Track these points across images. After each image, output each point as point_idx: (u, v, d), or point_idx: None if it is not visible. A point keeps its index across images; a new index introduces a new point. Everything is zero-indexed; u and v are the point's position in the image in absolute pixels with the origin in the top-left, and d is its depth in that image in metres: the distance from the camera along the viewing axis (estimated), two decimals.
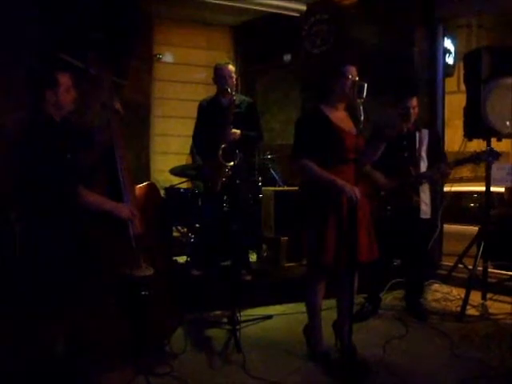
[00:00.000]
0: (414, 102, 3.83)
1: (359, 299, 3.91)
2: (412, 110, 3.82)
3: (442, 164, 3.77)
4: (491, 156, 3.73)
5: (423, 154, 3.85)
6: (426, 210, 3.85)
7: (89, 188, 2.74)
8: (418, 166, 3.82)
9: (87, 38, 4.62)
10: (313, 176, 2.94)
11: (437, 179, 3.83)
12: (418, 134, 3.87)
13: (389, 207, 3.77)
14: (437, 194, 4.12)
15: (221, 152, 4.05)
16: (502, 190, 5.35)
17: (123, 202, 2.91)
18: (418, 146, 3.85)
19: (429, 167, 3.84)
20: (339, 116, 3.05)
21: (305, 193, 3.06)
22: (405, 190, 3.77)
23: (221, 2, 5.88)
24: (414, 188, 3.78)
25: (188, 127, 4.60)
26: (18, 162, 2.67)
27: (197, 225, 4.82)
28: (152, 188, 3.31)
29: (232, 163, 3.98)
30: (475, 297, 4.18)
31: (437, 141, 3.98)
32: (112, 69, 3.15)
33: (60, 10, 4.73)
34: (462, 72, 4.47)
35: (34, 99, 2.72)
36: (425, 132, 3.90)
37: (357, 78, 2.94)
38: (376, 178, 3.77)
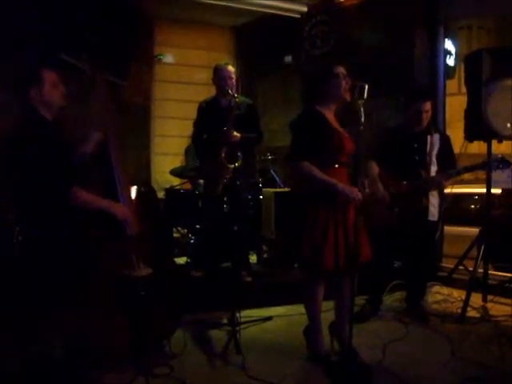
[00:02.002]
0: (428, 106, 3.82)
1: (359, 301, 3.90)
2: (425, 114, 3.80)
3: (440, 175, 3.77)
4: (501, 164, 3.71)
5: (433, 159, 3.84)
6: (434, 212, 3.85)
7: (84, 188, 2.74)
8: (428, 169, 3.81)
9: (85, 40, 4.63)
10: (313, 179, 2.93)
11: (432, 189, 3.82)
12: (429, 138, 3.86)
13: (396, 208, 3.77)
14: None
15: (223, 154, 4.04)
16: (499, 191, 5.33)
17: (119, 202, 2.91)
18: (428, 149, 3.85)
19: (439, 171, 3.83)
20: (332, 118, 3.06)
21: (302, 195, 3.05)
22: (415, 192, 3.76)
23: (221, 3, 5.88)
24: (425, 191, 3.78)
25: (188, 128, 4.60)
26: (15, 163, 2.67)
27: (197, 226, 4.82)
28: (147, 189, 3.31)
29: (234, 165, 3.98)
30: (476, 299, 4.17)
31: (448, 146, 3.96)
32: (107, 69, 3.15)
33: (60, 10, 4.74)
34: (462, 73, 4.47)
35: (21, 98, 2.72)
36: (436, 136, 3.89)
37: (347, 78, 2.96)
38: (375, 188, 3.77)
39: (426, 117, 3.83)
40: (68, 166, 2.70)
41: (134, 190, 3.16)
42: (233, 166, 3.95)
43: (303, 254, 2.94)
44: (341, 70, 2.98)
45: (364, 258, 3.04)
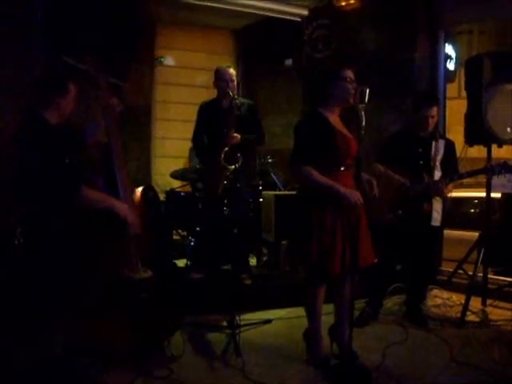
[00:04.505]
0: (434, 111, 3.80)
1: (359, 304, 3.90)
2: (431, 119, 3.79)
3: (442, 180, 3.77)
4: (504, 169, 3.70)
5: (437, 164, 3.84)
6: (437, 217, 3.84)
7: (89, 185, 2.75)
8: (432, 174, 3.81)
9: (87, 42, 4.64)
10: (314, 183, 2.93)
11: (434, 195, 3.82)
12: (434, 143, 3.86)
13: (400, 211, 3.76)
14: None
15: (223, 155, 4.05)
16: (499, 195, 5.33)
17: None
18: (433, 154, 3.84)
19: (442, 177, 3.83)
20: (337, 121, 3.06)
21: (307, 199, 3.04)
22: (418, 197, 3.76)
23: (222, 6, 5.89)
24: (427, 196, 3.78)
25: (189, 131, 4.61)
26: (17, 165, 2.68)
27: (197, 228, 4.82)
28: (149, 191, 3.31)
29: (234, 166, 3.98)
30: (475, 303, 4.17)
31: (453, 152, 3.95)
32: (109, 70, 3.17)
33: (62, 12, 4.74)
34: (462, 78, 4.48)
35: (35, 103, 2.74)
36: (441, 142, 3.88)
37: (354, 83, 2.97)
38: (393, 178, 3.76)
39: (432, 122, 3.82)
40: (74, 169, 2.71)
41: (137, 192, 3.16)
42: (232, 167, 3.95)
43: (311, 258, 2.93)
44: (349, 73, 2.99)
45: (368, 260, 3.05)
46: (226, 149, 4.07)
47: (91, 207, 2.74)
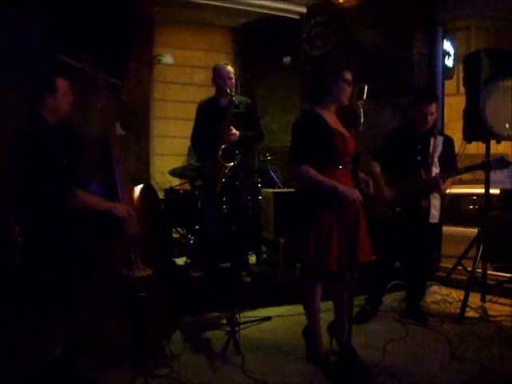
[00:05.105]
0: (433, 108, 3.78)
1: (359, 301, 3.91)
2: (430, 116, 3.77)
3: (439, 175, 3.77)
4: (501, 164, 3.70)
5: (436, 160, 3.83)
6: (435, 214, 3.83)
7: (85, 189, 2.75)
8: (429, 170, 3.81)
9: (85, 40, 4.64)
10: (312, 182, 2.94)
11: (432, 191, 3.82)
12: (432, 140, 3.85)
13: (398, 208, 3.76)
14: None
15: (221, 153, 4.05)
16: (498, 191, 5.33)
17: (119, 201, 2.92)
18: (431, 151, 3.84)
19: (440, 173, 3.82)
20: (334, 119, 3.06)
21: (305, 197, 3.05)
22: (416, 193, 3.76)
23: (221, 4, 5.89)
24: (425, 192, 3.78)
25: (188, 129, 4.61)
26: (15, 166, 2.68)
27: (196, 226, 4.82)
28: (149, 189, 3.31)
29: (232, 164, 3.98)
30: (474, 299, 4.18)
31: (451, 149, 3.94)
32: (107, 69, 3.17)
33: (60, 10, 4.74)
34: (461, 74, 4.48)
35: (32, 103, 2.75)
36: (440, 139, 3.87)
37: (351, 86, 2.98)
38: (380, 188, 3.75)
39: (431, 118, 3.80)
40: (70, 170, 2.71)
41: (137, 190, 3.17)
42: (231, 164, 3.95)
43: (309, 255, 2.94)
44: (348, 75, 2.99)
45: (367, 257, 3.06)
46: (223, 146, 4.07)
47: (87, 209, 2.74)
